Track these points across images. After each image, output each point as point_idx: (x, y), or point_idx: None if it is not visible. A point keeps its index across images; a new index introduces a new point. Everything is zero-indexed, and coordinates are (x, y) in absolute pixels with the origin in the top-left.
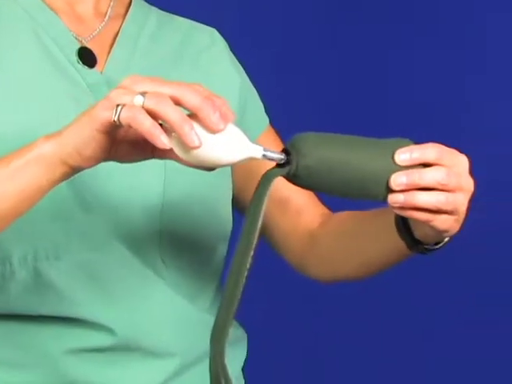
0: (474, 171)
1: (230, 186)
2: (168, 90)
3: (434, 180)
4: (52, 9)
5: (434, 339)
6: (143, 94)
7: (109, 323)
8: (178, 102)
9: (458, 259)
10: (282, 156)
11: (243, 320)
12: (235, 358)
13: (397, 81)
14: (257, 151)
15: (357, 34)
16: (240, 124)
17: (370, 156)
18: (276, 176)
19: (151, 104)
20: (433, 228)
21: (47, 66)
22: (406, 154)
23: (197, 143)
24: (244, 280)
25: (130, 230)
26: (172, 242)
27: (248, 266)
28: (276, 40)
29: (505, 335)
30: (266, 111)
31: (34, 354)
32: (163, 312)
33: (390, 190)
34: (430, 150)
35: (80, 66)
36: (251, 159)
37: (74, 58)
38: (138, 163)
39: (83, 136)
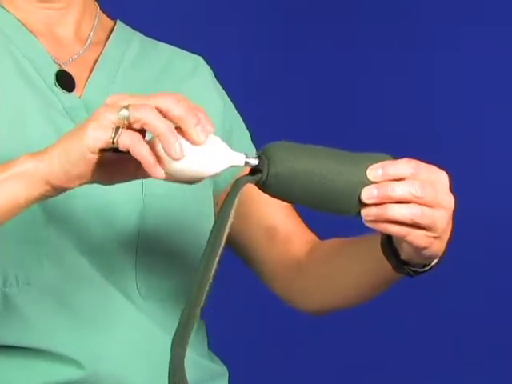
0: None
1: (213, 213)
2: (152, 102)
3: (407, 192)
4: (31, 31)
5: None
6: (127, 107)
7: (76, 356)
8: (161, 113)
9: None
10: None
11: (225, 356)
12: None
13: (379, 97)
14: (239, 159)
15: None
16: None
17: (343, 170)
18: (246, 183)
19: (137, 114)
20: (410, 244)
21: (23, 86)
22: (378, 170)
23: (179, 155)
24: (207, 287)
25: (105, 255)
26: (149, 271)
27: (212, 271)
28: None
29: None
30: (252, 139)
31: None
32: (138, 345)
33: (364, 205)
34: (404, 166)
35: (58, 89)
36: (234, 167)
37: (52, 80)
38: (117, 186)
39: (72, 155)
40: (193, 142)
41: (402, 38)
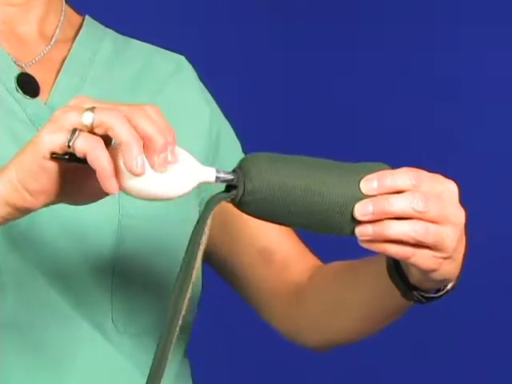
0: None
1: None
2: (123, 110)
3: (408, 206)
4: None
5: None
6: (92, 109)
7: None
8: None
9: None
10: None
11: None
12: None
13: (376, 103)
14: (210, 175)
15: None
16: (211, 165)
17: (332, 182)
18: (219, 201)
19: (102, 117)
20: (416, 267)
21: None
22: (373, 182)
23: (139, 170)
24: (179, 321)
25: (76, 284)
26: (127, 301)
27: (185, 303)
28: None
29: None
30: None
31: None
32: None
33: (358, 222)
34: (403, 176)
35: (20, 94)
36: (205, 183)
37: (13, 85)
38: (89, 205)
39: (29, 167)
40: (152, 167)
41: (401, 38)
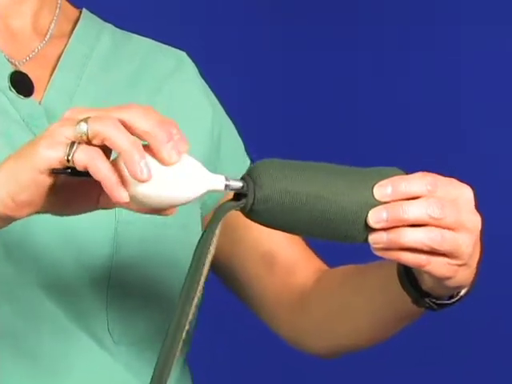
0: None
1: None
2: (116, 114)
3: (423, 213)
4: None
5: None
6: (86, 119)
7: None
8: (126, 128)
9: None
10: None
11: None
12: None
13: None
14: (218, 182)
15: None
16: (214, 166)
17: (344, 189)
18: (229, 210)
19: (96, 127)
20: (430, 275)
21: None
22: (386, 188)
23: (145, 176)
24: (183, 333)
25: (71, 293)
26: (123, 311)
27: (190, 315)
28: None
29: None
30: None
31: None
32: None
33: (371, 230)
34: (418, 181)
35: (13, 94)
36: (213, 192)
37: (6, 84)
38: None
39: (21, 178)
40: (163, 162)
41: (401, 38)
